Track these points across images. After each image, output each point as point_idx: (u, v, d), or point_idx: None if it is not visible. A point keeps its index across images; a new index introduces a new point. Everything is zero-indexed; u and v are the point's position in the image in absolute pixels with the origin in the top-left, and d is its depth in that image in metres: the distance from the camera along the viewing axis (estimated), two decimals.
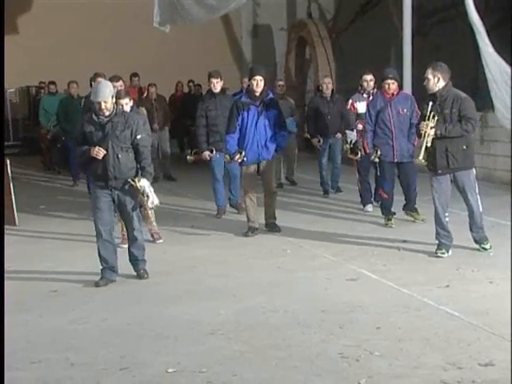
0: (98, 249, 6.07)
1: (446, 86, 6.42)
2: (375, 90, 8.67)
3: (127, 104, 6.99)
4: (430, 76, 6.41)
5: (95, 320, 5.19)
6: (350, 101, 8.87)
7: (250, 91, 7.56)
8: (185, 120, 13.57)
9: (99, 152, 5.91)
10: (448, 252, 6.55)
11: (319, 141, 10.04)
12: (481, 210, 6.58)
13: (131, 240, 6.22)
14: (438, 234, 6.62)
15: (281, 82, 11.18)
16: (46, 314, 5.32)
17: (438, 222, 6.59)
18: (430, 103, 6.37)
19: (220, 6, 12.96)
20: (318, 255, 6.87)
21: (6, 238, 7.86)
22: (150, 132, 7.38)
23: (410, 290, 5.61)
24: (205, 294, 5.75)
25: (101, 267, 6.06)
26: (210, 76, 8.72)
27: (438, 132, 6.35)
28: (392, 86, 7.74)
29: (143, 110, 7.74)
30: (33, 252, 7.28)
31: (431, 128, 6.34)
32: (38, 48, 16.09)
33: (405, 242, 7.25)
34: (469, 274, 6.04)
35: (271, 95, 7.68)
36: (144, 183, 5.97)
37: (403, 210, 8.19)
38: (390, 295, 5.56)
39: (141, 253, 6.23)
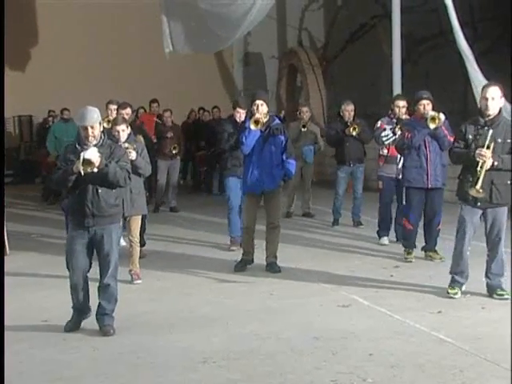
0: (71, 292, 5.52)
1: (500, 110, 5.85)
2: (406, 116, 8.16)
3: (124, 131, 6.86)
4: (498, 95, 5.73)
5: (87, 349, 5.15)
6: (380, 122, 8.31)
7: (251, 117, 7.12)
8: (189, 146, 13.48)
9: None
10: (461, 291, 6.04)
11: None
12: (504, 253, 6.04)
13: (102, 287, 5.47)
14: (454, 270, 6.03)
15: (304, 109, 10.73)
16: (37, 344, 5.28)
17: (459, 257, 5.97)
18: (491, 131, 5.72)
19: (228, 35, 13.21)
20: (310, 282, 6.86)
21: None
22: (148, 159, 7.15)
23: (402, 316, 5.60)
24: (197, 321, 5.72)
25: (71, 307, 5.57)
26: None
27: (496, 163, 5.73)
28: (427, 106, 7.18)
29: (140, 138, 7.56)
30: (23, 281, 7.23)
31: (489, 158, 5.68)
32: (43, 77, 16.10)
33: (397, 267, 7.26)
34: (461, 299, 6.04)
35: (277, 120, 7.41)
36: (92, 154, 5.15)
37: (422, 249, 7.65)
38: (383, 321, 5.55)
39: (111, 307, 5.50)
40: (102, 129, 5.41)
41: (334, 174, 10.00)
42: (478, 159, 5.73)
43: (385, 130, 8.12)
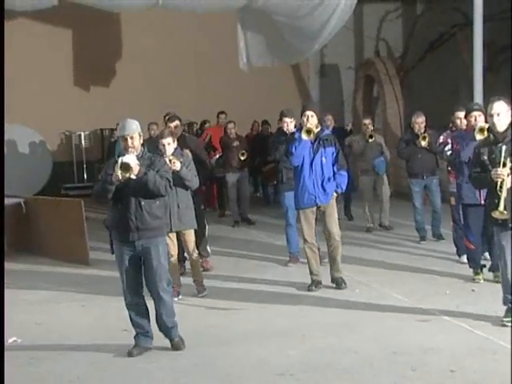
0: (129, 313, 5.43)
1: (511, 123, 5.61)
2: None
3: (169, 144, 6.70)
4: (505, 109, 5.54)
5: (166, 359, 5.24)
6: (442, 137, 8.09)
7: (302, 128, 6.97)
8: (255, 160, 13.33)
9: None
10: None
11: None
12: None
13: (157, 302, 5.36)
14: (506, 299, 5.62)
15: (367, 121, 10.50)
16: (117, 352, 5.41)
17: (506, 284, 5.61)
18: (504, 147, 5.44)
19: (306, 48, 13.28)
20: (387, 295, 6.77)
21: (80, 278, 8.10)
22: (195, 172, 6.96)
23: (485, 332, 5.46)
24: (272, 333, 5.73)
25: (134, 333, 5.43)
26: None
27: None
28: (479, 118, 6.90)
29: (187, 152, 7.31)
30: (105, 291, 7.40)
31: (508, 175, 5.38)
32: (123, 91, 16.51)
33: (478, 282, 7.06)
34: None
35: (327, 131, 7.30)
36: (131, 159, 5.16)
37: (490, 271, 7.16)
38: (464, 337, 5.42)
39: (170, 319, 5.39)
40: (142, 141, 5.39)
41: (409, 187, 9.75)
42: (495, 180, 5.42)
43: (448, 144, 7.78)
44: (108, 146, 15.80)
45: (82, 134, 17.13)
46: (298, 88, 18.72)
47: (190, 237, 7.02)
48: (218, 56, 16.52)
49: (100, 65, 16.79)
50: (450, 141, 7.70)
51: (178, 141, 7.14)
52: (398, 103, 15.84)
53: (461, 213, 7.36)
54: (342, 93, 18.30)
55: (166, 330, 5.42)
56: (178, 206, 6.81)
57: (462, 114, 7.79)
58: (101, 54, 16.67)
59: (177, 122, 7.83)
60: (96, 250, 9.27)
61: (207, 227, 8.31)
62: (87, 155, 17.24)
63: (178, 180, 6.54)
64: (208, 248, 8.31)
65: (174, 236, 6.84)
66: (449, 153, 7.66)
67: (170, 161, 6.51)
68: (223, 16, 14.79)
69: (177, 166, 6.62)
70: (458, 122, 7.89)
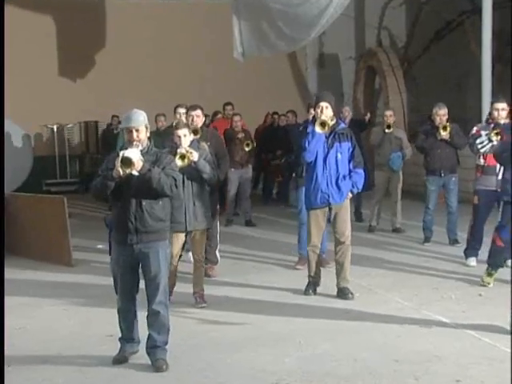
0: (118, 317, 5.35)
1: None
2: (507, 120, 7.68)
3: (185, 136, 6.49)
4: None
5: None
6: (475, 128, 7.91)
7: (315, 120, 6.80)
8: (263, 153, 13.36)
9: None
10: None
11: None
12: None
13: (151, 315, 5.15)
14: None
15: (388, 113, 10.40)
16: (102, 359, 5.39)
17: None
18: None
19: (302, 36, 13.30)
20: (389, 300, 6.78)
21: (62, 280, 8.08)
22: (213, 165, 6.75)
23: (492, 340, 5.48)
24: (268, 340, 5.73)
25: (119, 336, 5.39)
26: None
27: None
28: None
29: (204, 145, 7.15)
30: (89, 295, 7.40)
31: None
32: (110, 81, 16.45)
33: (486, 286, 7.08)
34: None
35: (343, 125, 7.13)
36: (134, 154, 4.99)
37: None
38: (470, 345, 5.44)
39: (162, 338, 5.17)
40: (148, 134, 5.22)
41: (425, 186, 9.56)
42: None
43: (480, 136, 7.69)
44: (102, 137, 15.80)
45: (65, 126, 17.09)
46: (294, 79, 18.73)
47: (203, 237, 6.81)
48: (212, 46, 16.50)
49: (85, 55, 16.76)
50: (482, 133, 7.62)
51: (197, 132, 7.03)
52: (401, 96, 15.87)
53: (500, 210, 7.26)
54: (341, 84, 18.29)
55: (153, 347, 5.19)
56: (194, 204, 6.60)
57: (501, 106, 7.68)
58: (86, 44, 16.65)
59: (199, 111, 7.57)
60: (79, 250, 9.25)
61: (219, 230, 8.13)
62: (70, 149, 17.19)
63: (194, 174, 6.47)
64: (217, 254, 8.16)
65: (183, 236, 6.68)
66: (480, 146, 7.52)
67: (187, 151, 6.37)
68: (218, 5, 14.80)
69: (194, 156, 6.42)
70: (496, 113, 7.70)
